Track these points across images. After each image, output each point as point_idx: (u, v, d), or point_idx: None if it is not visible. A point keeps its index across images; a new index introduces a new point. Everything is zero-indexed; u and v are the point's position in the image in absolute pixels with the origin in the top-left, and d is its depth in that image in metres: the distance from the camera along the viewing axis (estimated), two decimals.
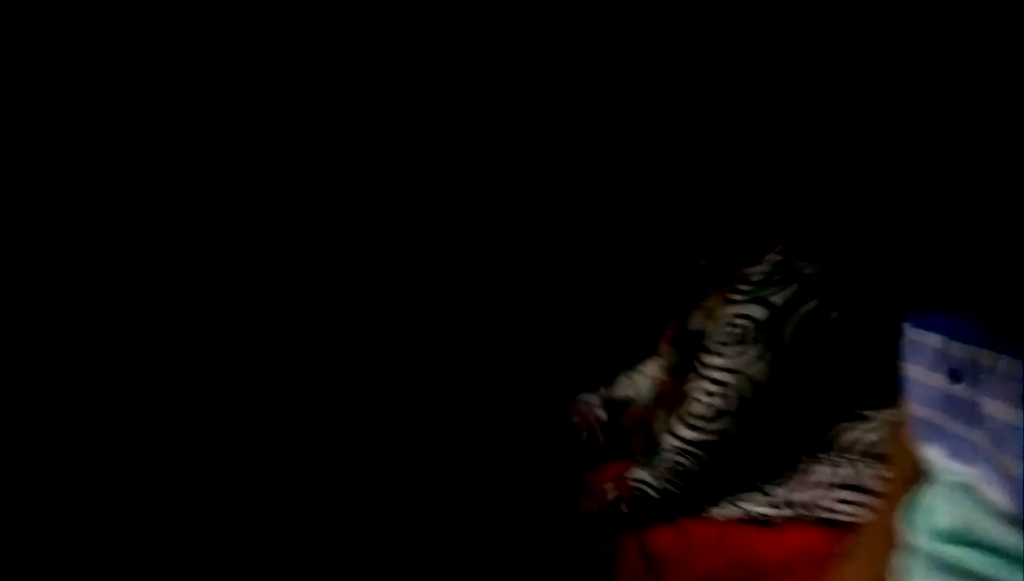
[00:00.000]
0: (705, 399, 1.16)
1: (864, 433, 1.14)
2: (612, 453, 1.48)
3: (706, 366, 1.18)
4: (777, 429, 1.16)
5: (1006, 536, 0.65)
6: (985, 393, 0.66)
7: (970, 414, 0.68)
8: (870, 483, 1.10)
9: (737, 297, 1.19)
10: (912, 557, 0.75)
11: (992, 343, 0.66)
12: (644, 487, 1.17)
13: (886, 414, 1.14)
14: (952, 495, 0.70)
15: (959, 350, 0.69)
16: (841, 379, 1.16)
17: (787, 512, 1.12)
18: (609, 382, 1.63)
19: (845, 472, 1.12)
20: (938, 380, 0.72)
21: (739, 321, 1.17)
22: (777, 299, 1.16)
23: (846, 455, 1.14)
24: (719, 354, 1.17)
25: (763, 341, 1.14)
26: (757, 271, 1.19)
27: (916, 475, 0.79)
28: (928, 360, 0.74)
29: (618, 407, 1.55)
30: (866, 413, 1.15)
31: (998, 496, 0.64)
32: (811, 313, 1.14)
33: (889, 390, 1.15)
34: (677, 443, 1.17)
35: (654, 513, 1.16)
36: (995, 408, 0.65)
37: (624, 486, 1.18)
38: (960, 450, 0.70)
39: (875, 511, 0.91)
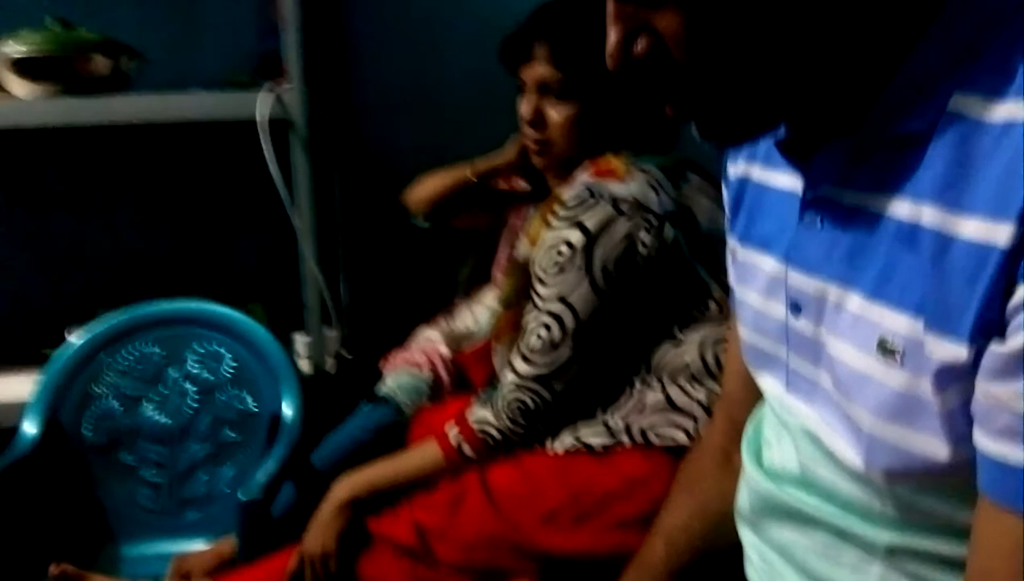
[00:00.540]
0: (539, 330, 1.13)
1: (684, 353, 1.13)
2: (454, 388, 1.45)
3: (537, 295, 1.15)
4: (608, 355, 1.14)
5: (846, 485, 0.61)
6: (832, 334, 0.58)
7: (813, 352, 0.61)
8: (700, 405, 1.10)
9: (555, 221, 1.15)
10: (750, 491, 0.72)
11: (843, 277, 0.57)
12: (486, 427, 1.14)
13: (700, 334, 1.14)
14: (794, 439, 0.66)
15: (802, 280, 0.60)
16: (661, 300, 1.14)
17: (625, 440, 1.11)
18: (449, 314, 1.59)
19: (675, 394, 1.12)
20: (775, 309, 0.65)
21: (560, 247, 1.13)
22: (589, 222, 1.12)
23: (673, 378, 1.13)
24: (545, 283, 1.14)
25: (582, 266, 1.11)
26: (570, 193, 1.15)
27: (750, 396, 0.76)
28: (763, 285, 0.66)
29: (458, 340, 1.52)
30: (679, 332, 1.14)
31: (842, 446, 0.59)
32: (626, 235, 1.12)
33: (701, 309, 1.16)
34: (515, 377, 1.14)
35: (496, 451, 1.14)
36: (843, 352, 0.57)
37: (465, 426, 1.15)
38: (799, 385, 0.64)
39: (706, 434, 0.89)
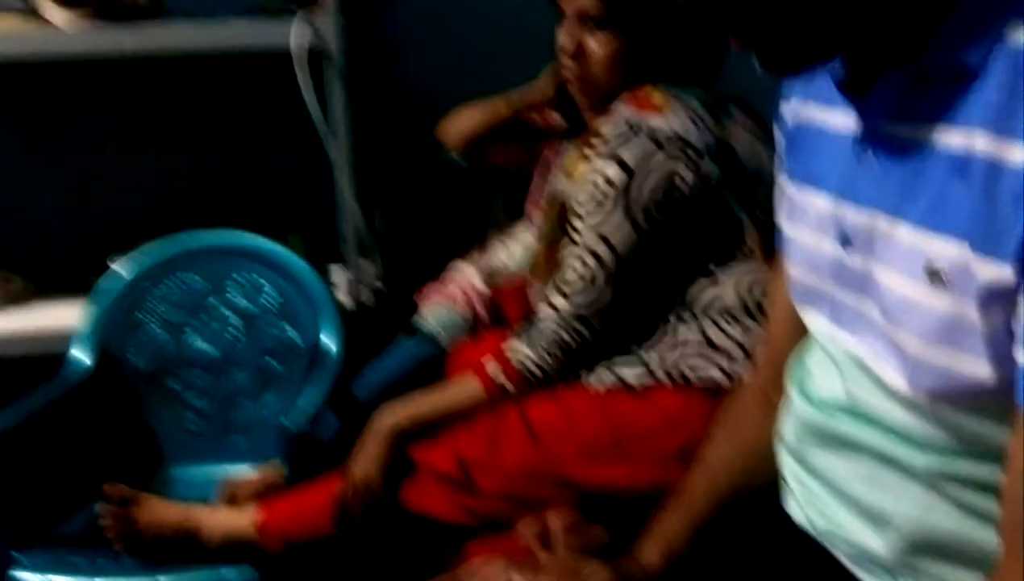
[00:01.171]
0: (576, 266, 1.14)
1: (721, 291, 1.13)
2: (489, 321, 1.47)
3: (574, 231, 1.15)
4: (646, 291, 1.15)
5: (891, 409, 0.62)
6: (881, 263, 0.60)
7: (860, 284, 0.63)
8: (737, 343, 1.11)
9: (592, 154, 1.14)
10: (794, 420, 0.74)
11: (893, 208, 0.58)
12: (524, 361, 1.16)
13: (737, 273, 1.14)
14: (840, 367, 0.67)
15: (853, 213, 0.62)
16: (699, 237, 1.14)
17: (663, 377, 1.12)
18: (483, 248, 1.60)
19: (712, 332, 1.12)
20: (825, 245, 0.66)
21: (598, 181, 1.12)
22: (627, 155, 1.11)
23: (710, 316, 1.13)
24: (583, 218, 1.14)
25: (619, 199, 1.11)
26: (608, 125, 1.14)
27: (794, 339, 0.77)
28: (814, 222, 0.68)
29: (493, 274, 1.53)
30: (716, 270, 1.14)
31: (889, 372, 0.61)
32: (665, 169, 1.11)
33: (738, 247, 1.16)
34: (552, 313, 1.15)
35: (535, 386, 1.16)
36: (891, 280, 0.59)
37: (504, 361, 1.17)
38: (844, 318, 0.66)
39: (749, 375, 0.91)
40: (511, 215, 1.58)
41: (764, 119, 1.20)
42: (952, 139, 0.54)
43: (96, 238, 1.77)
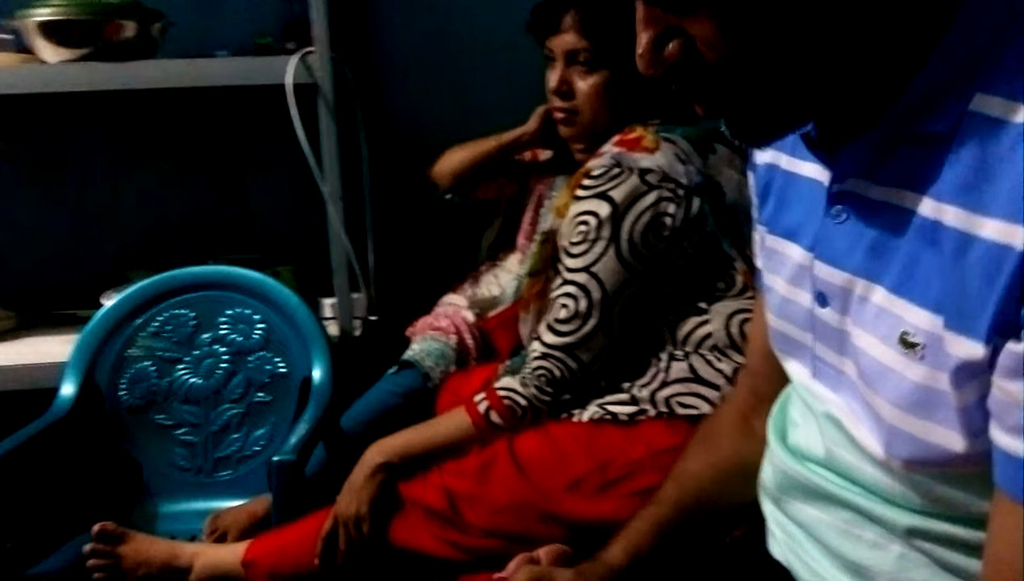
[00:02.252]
0: (566, 303, 1.14)
1: (711, 328, 1.14)
2: (479, 354, 1.48)
3: (565, 268, 1.16)
4: (636, 329, 1.16)
5: (868, 470, 0.63)
6: (858, 325, 0.59)
7: (838, 342, 0.62)
8: (724, 376, 1.12)
9: (582, 193, 1.16)
10: (775, 468, 0.74)
11: (868, 271, 0.58)
12: (513, 395, 1.16)
13: (725, 307, 1.15)
14: (819, 423, 0.68)
15: (828, 272, 0.61)
16: (686, 272, 1.15)
17: (650, 409, 1.13)
18: (474, 280, 1.61)
19: (700, 367, 1.13)
20: (801, 298, 0.66)
21: (587, 218, 1.14)
22: (617, 194, 1.13)
23: (698, 350, 1.14)
24: (571, 254, 1.15)
25: (609, 238, 1.12)
26: (598, 165, 1.16)
27: (772, 370, 0.77)
28: (790, 273, 0.67)
29: (483, 307, 1.54)
30: (705, 306, 1.15)
31: (865, 434, 0.61)
32: (652, 206, 1.12)
33: (726, 281, 1.17)
34: (541, 348, 1.16)
35: (523, 420, 1.16)
36: (867, 343, 0.58)
37: (493, 396, 1.17)
38: (824, 373, 0.66)
39: (728, 398, 0.91)
40: (501, 246, 1.59)
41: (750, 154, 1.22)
42: (921, 207, 0.54)
43: (86, 272, 1.78)
